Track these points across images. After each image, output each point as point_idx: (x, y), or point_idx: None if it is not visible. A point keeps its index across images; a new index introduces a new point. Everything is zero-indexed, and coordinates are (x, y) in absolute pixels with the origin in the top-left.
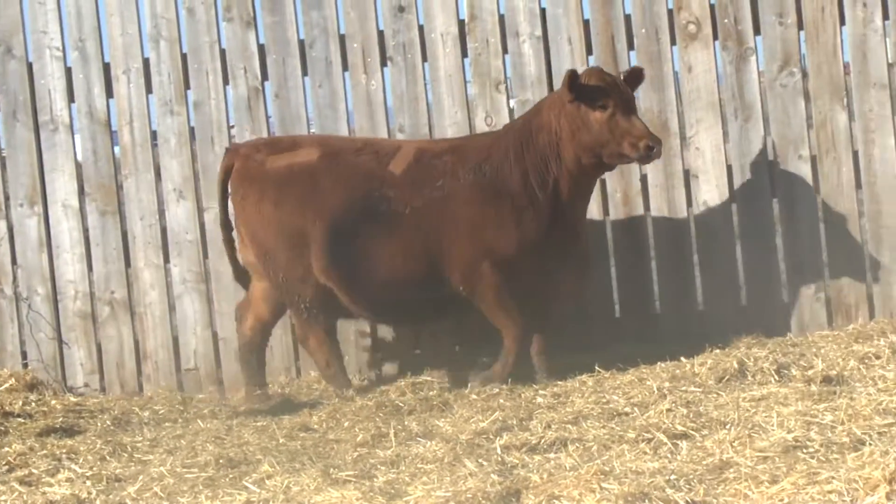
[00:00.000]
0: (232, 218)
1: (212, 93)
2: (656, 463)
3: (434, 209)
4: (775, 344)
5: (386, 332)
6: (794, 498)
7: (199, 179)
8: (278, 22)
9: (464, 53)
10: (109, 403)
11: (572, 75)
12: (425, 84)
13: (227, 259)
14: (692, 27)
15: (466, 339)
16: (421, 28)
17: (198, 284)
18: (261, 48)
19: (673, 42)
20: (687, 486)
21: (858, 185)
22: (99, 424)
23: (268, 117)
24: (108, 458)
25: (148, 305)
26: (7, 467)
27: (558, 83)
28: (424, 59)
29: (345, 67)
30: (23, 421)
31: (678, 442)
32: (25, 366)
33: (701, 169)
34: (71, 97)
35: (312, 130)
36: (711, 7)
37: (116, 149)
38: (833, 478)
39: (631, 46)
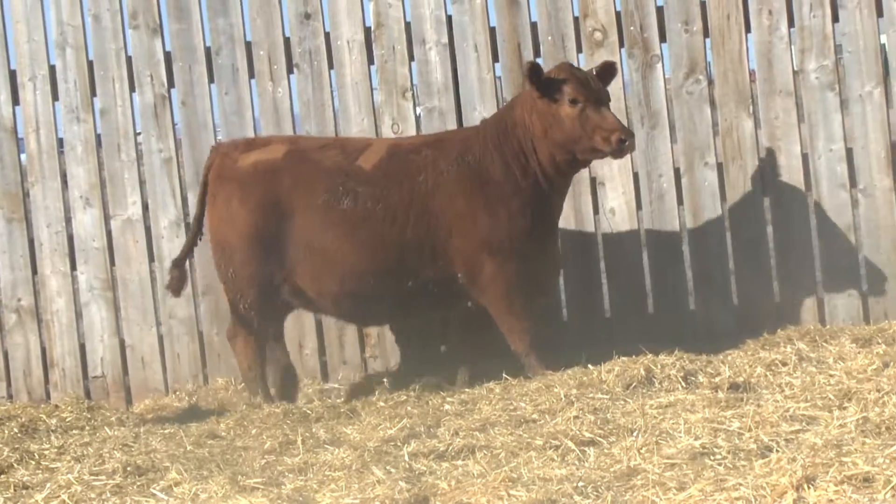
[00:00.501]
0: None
1: (118, 100)
2: (564, 470)
3: (417, 203)
4: (682, 351)
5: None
6: None
7: (106, 187)
8: (184, 29)
9: (370, 60)
10: (16, 411)
11: (532, 68)
12: (332, 91)
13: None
14: (598, 35)
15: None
16: (327, 35)
17: (105, 292)
18: (167, 55)
19: (579, 49)
20: (594, 493)
21: (765, 193)
22: (6, 432)
23: (174, 124)
24: (15, 465)
25: (55, 313)
26: None
27: (464, 90)
28: (331, 66)
29: (251, 74)
30: None
31: (586, 449)
32: None
33: (607, 176)
34: None
35: (219, 138)
36: (617, 14)
37: (23, 156)
38: (740, 484)
39: (537, 53)
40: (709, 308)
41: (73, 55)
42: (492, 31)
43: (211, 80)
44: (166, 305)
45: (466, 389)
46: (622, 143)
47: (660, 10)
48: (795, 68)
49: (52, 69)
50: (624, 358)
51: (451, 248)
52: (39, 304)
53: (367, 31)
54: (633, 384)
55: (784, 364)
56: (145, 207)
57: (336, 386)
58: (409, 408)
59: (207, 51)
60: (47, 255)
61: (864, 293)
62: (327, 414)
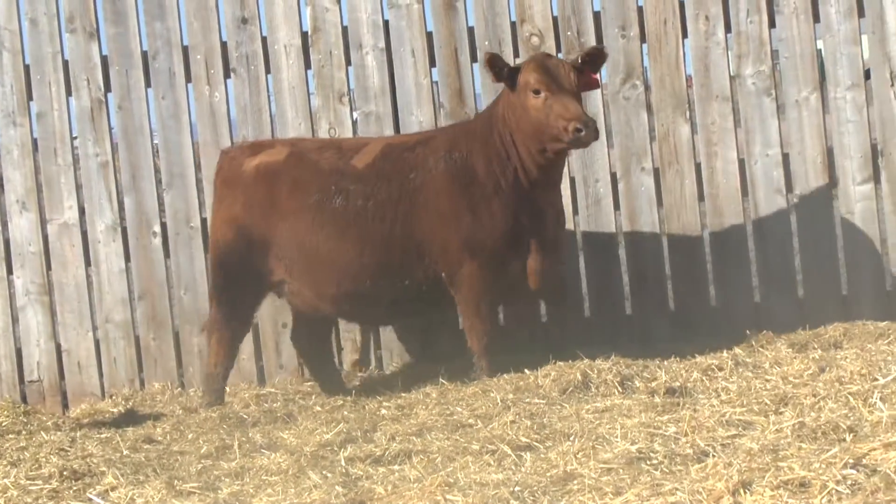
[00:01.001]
0: None
1: (55, 104)
2: (500, 475)
3: (406, 201)
4: (619, 356)
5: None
6: None
7: (42, 191)
8: (121, 33)
9: (307, 65)
10: None
11: (490, 58)
12: (269, 96)
13: (70, 270)
14: (535, 39)
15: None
16: (264, 39)
17: (41, 296)
18: (104, 59)
19: (516, 54)
20: (531, 498)
21: (701, 198)
22: None
23: (111, 129)
24: None
25: None
26: None
27: (402, 95)
28: (268, 70)
29: (188, 79)
30: None
31: (522, 454)
32: None
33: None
34: None
35: (155, 142)
36: (554, 19)
37: None
38: (677, 489)
39: (474, 59)
40: (645, 313)
41: (10, 59)
42: (429, 35)
43: (148, 84)
44: (103, 310)
45: (403, 394)
46: (578, 133)
47: (597, 15)
48: (732, 73)
49: None
50: (560, 363)
51: (434, 247)
52: None
53: (305, 35)
54: (570, 389)
55: (720, 369)
56: (82, 212)
57: (272, 390)
58: (345, 412)
59: (144, 55)
60: None
61: (801, 298)
62: (264, 418)
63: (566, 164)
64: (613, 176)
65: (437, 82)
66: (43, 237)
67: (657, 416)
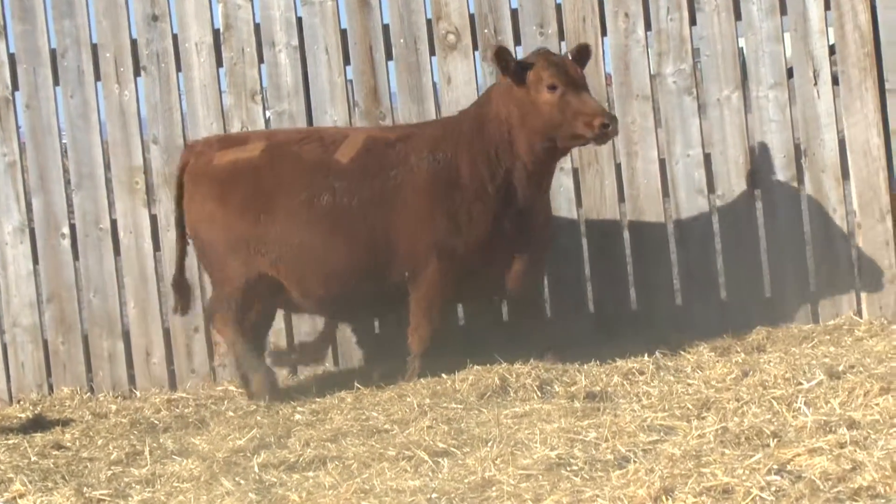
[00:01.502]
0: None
1: None
2: (417, 481)
3: (386, 199)
4: (538, 360)
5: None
6: None
7: None
8: (29, 31)
9: (219, 63)
10: None
11: (498, 52)
12: (180, 94)
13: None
14: (452, 37)
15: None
16: (175, 37)
17: None
18: (11, 57)
19: (432, 52)
20: None
21: (621, 199)
22: None
23: (18, 128)
24: None
25: None
26: None
27: (315, 93)
28: (179, 68)
29: (97, 77)
30: None
31: (439, 460)
32: None
33: None
34: None
35: (64, 142)
36: (471, 17)
37: None
38: (597, 496)
39: (389, 56)
40: (564, 315)
41: None
42: (343, 33)
43: (56, 82)
44: (10, 313)
45: (317, 399)
46: (605, 128)
47: (514, 13)
48: (652, 72)
49: None
50: (478, 367)
51: (402, 246)
52: None
53: (216, 32)
54: (488, 393)
55: (641, 373)
56: None
57: (184, 395)
58: (258, 417)
59: (52, 53)
60: None
61: (724, 301)
62: (175, 424)
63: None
64: None
65: (351, 80)
66: None
67: (577, 421)
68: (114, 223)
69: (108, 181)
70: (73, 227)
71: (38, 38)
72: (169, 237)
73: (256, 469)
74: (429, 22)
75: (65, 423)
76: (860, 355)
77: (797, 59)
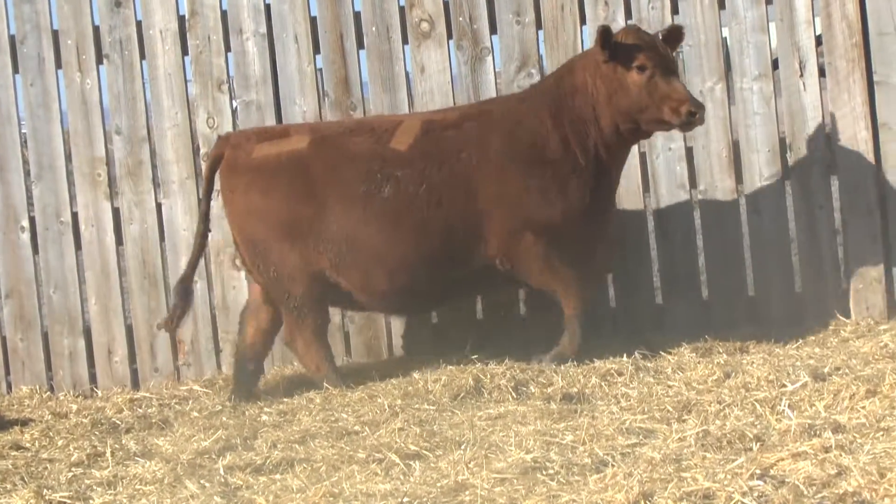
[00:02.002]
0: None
1: None
2: (388, 485)
3: (461, 182)
4: (513, 360)
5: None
6: None
7: None
8: None
9: (184, 51)
10: None
11: (605, 31)
12: (143, 83)
13: None
14: (425, 25)
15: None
16: (139, 24)
17: None
18: None
19: (405, 41)
20: None
21: None
22: None
23: None
24: None
25: None
26: None
27: (284, 82)
28: (143, 56)
29: (58, 65)
30: None
31: (411, 462)
32: None
33: None
34: None
35: (23, 132)
36: (445, 5)
37: None
38: (574, 501)
39: (361, 45)
40: (541, 315)
41: None
42: (313, 20)
43: (15, 70)
44: None
45: (285, 399)
46: (692, 116)
47: (490, 1)
48: None
49: None
50: (451, 367)
51: (492, 231)
52: None
53: (182, 19)
54: (462, 395)
55: (620, 374)
56: None
57: (147, 395)
58: (224, 418)
59: (12, 39)
60: None
61: (706, 300)
62: (138, 424)
63: None
64: None
65: (321, 70)
66: None
67: (553, 423)
68: (75, 216)
69: (69, 173)
70: (32, 220)
71: None
72: (131, 230)
73: (222, 471)
74: (402, 9)
75: (24, 422)
76: (846, 357)
77: (783, 50)
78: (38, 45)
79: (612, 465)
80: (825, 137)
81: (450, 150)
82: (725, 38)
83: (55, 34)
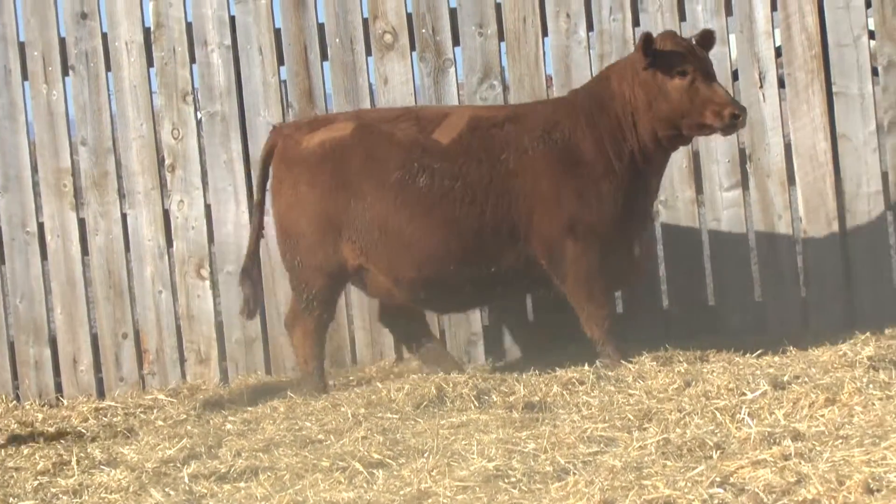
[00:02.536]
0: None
1: None
2: (352, 493)
3: (499, 183)
4: (475, 368)
5: None
6: None
7: None
8: None
9: (150, 63)
10: None
11: (647, 38)
12: (109, 94)
13: None
14: (388, 37)
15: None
16: (105, 36)
17: None
18: None
19: (368, 52)
20: None
21: None
22: None
23: None
24: None
25: None
26: None
27: (248, 94)
28: (108, 68)
29: (24, 76)
30: None
31: (374, 471)
32: None
33: None
34: None
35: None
36: (409, 17)
37: None
38: None
39: (325, 57)
40: (502, 323)
41: None
42: (277, 32)
43: None
44: None
45: (249, 408)
46: (735, 119)
47: (453, 13)
48: (594, 73)
49: None
50: (414, 376)
51: (532, 232)
52: None
53: (147, 31)
54: (424, 403)
55: (581, 382)
56: None
57: (112, 404)
58: (189, 427)
59: None
60: None
61: (667, 309)
62: (103, 433)
63: None
64: None
65: (285, 81)
66: None
67: (515, 431)
68: (41, 227)
69: (35, 184)
70: None
71: None
72: (97, 241)
73: (186, 480)
74: (365, 21)
75: None
76: (805, 365)
77: (742, 61)
78: (5, 57)
79: (574, 474)
80: (785, 148)
81: (490, 149)
82: None
83: (21, 46)
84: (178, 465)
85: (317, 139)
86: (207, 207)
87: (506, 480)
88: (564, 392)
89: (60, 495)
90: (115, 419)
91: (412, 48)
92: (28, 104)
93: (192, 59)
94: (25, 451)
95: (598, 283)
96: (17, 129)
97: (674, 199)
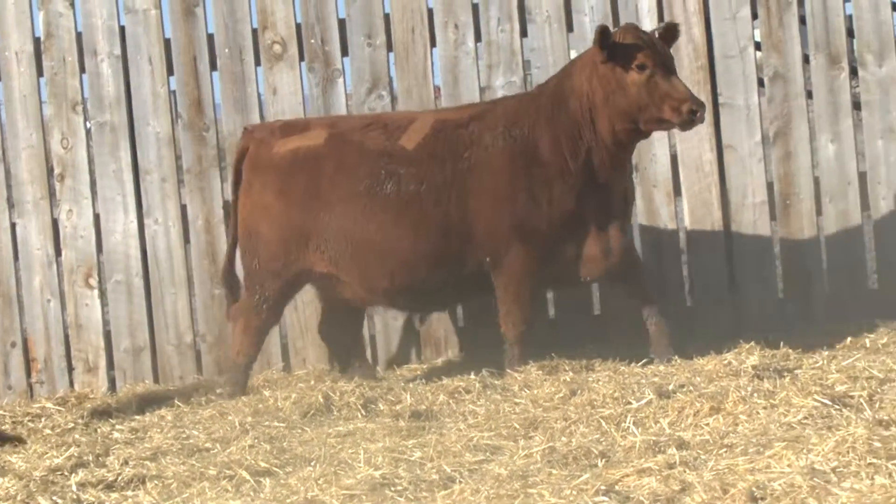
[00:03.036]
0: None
1: None
2: (238, 501)
3: (460, 182)
4: (362, 377)
5: None
6: None
7: None
8: None
9: (40, 72)
10: None
11: (603, 31)
12: None
13: None
14: (277, 48)
15: None
16: None
17: None
18: None
19: (258, 62)
20: None
21: None
22: None
23: None
24: None
25: None
26: None
27: (137, 104)
28: None
29: None
30: None
31: (261, 479)
32: None
33: None
34: None
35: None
36: (298, 27)
37: None
38: None
39: (214, 67)
40: (390, 332)
41: None
42: (167, 42)
43: None
44: None
45: (136, 416)
46: (693, 115)
47: (342, 23)
48: (482, 84)
49: None
50: (301, 384)
51: (481, 228)
52: None
53: (37, 41)
54: (311, 412)
55: (468, 391)
56: None
57: (0, 412)
58: (76, 435)
59: None
60: None
61: (553, 318)
62: None
63: None
64: None
65: (174, 91)
66: None
67: (402, 440)
68: None
69: None
70: None
71: None
72: None
73: (74, 488)
74: (254, 32)
75: None
76: (690, 374)
77: None
78: None
79: (460, 482)
80: (671, 158)
81: (454, 150)
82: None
83: None
84: (66, 473)
85: (290, 146)
86: (96, 217)
87: (392, 489)
88: (451, 401)
89: None
90: (2, 427)
91: (301, 58)
92: None
93: (82, 69)
94: None
95: (529, 287)
96: None
97: None
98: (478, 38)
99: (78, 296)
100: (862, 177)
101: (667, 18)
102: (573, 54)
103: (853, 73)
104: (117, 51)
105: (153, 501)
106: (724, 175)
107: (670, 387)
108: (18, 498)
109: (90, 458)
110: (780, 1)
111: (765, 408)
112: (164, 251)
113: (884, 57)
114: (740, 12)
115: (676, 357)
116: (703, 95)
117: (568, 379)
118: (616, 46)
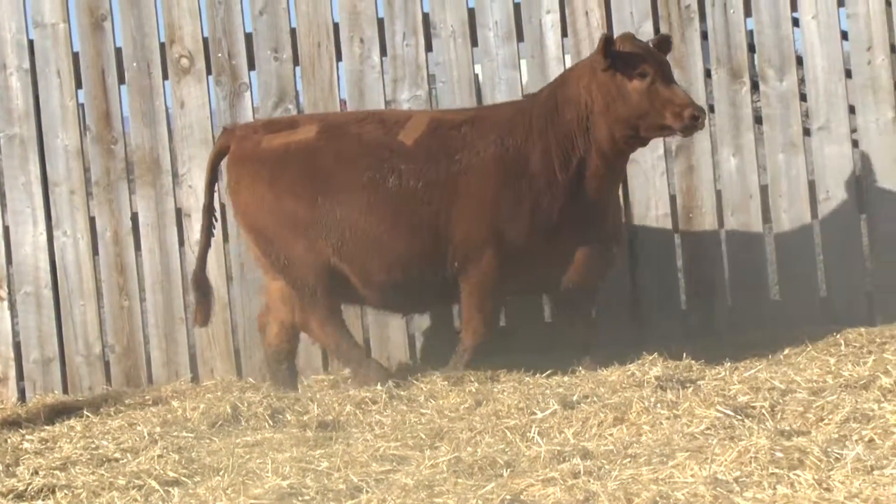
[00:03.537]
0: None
1: None
2: None
3: (449, 183)
4: (269, 388)
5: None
6: None
7: None
8: None
9: None
10: None
11: (607, 40)
12: None
13: None
14: (185, 61)
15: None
16: None
17: None
18: None
19: (165, 76)
20: None
21: None
22: None
23: None
24: None
25: None
26: None
27: (46, 117)
28: None
29: None
30: None
31: (170, 489)
32: None
33: (194, 207)
34: None
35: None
36: (205, 41)
37: None
38: None
39: (122, 80)
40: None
41: None
42: (75, 56)
43: None
44: None
45: (46, 427)
46: (695, 120)
47: (248, 37)
48: (388, 98)
49: None
50: (209, 395)
51: (459, 233)
52: None
53: None
54: (220, 422)
55: (374, 402)
56: None
57: None
58: None
59: None
60: None
61: (457, 329)
62: None
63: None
64: None
65: (83, 104)
66: None
67: (309, 450)
68: None
69: None
70: None
71: None
72: None
73: None
74: (162, 45)
75: None
76: (594, 385)
77: (534, 86)
78: None
79: (367, 492)
80: None
81: (448, 151)
82: (478, 74)
83: None
84: None
85: (279, 141)
86: (6, 229)
87: (300, 498)
88: (357, 411)
89: None
90: None
91: (208, 72)
92: None
93: None
94: None
95: (493, 297)
96: None
97: None
98: (383, 52)
99: None
100: (763, 190)
101: (570, 33)
102: (478, 69)
103: (754, 87)
104: (26, 64)
105: None
106: (628, 188)
107: (574, 397)
108: None
109: (0, 468)
110: (682, 16)
111: (668, 418)
112: (73, 263)
113: (784, 72)
114: (642, 27)
115: (580, 368)
116: None
117: (473, 389)
118: (617, 55)
